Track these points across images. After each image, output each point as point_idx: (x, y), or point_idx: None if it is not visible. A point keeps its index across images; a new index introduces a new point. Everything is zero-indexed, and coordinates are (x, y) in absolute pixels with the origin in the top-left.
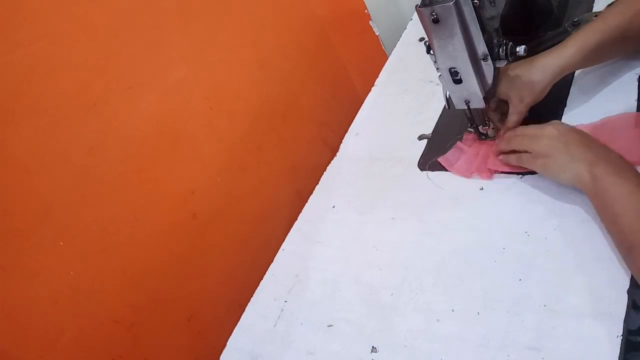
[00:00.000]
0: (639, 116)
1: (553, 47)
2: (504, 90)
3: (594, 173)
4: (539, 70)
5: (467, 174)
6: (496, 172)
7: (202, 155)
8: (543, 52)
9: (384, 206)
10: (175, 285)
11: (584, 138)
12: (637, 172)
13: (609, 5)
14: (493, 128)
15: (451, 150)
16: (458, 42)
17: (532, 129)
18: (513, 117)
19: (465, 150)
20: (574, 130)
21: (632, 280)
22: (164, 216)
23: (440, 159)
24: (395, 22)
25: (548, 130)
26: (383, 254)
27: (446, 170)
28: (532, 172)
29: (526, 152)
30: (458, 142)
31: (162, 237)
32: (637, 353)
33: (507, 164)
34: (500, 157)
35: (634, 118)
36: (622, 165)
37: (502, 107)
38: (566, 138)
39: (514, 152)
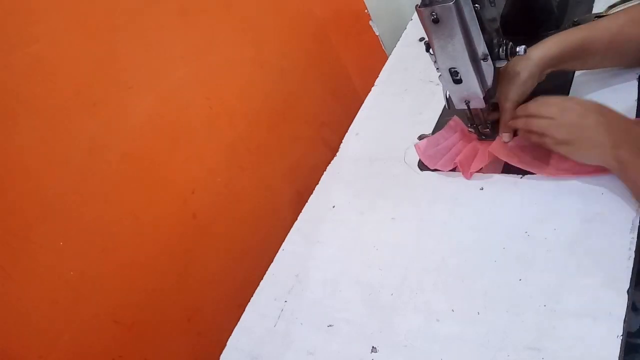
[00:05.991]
0: None
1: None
2: (497, 91)
3: (619, 157)
4: (522, 61)
5: (431, 165)
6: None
7: (202, 155)
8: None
9: (384, 206)
10: (175, 285)
11: (603, 118)
12: None
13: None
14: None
15: (426, 139)
16: (458, 42)
17: (551, 109)
18: (504, 116)
19: (442, 141)
20: (592, 110)
21: (632, 280)
22: (164, 216)
23: (416, 146)
24: (395, 22)
25: (567, 116)
26: (383, 254)
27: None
28: (530, 172)
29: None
30: (431, 136)
31: (162, 237)
32: (637, 355)
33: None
34: (521, 134)
35: None
36: None
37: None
38: (585, 122)
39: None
